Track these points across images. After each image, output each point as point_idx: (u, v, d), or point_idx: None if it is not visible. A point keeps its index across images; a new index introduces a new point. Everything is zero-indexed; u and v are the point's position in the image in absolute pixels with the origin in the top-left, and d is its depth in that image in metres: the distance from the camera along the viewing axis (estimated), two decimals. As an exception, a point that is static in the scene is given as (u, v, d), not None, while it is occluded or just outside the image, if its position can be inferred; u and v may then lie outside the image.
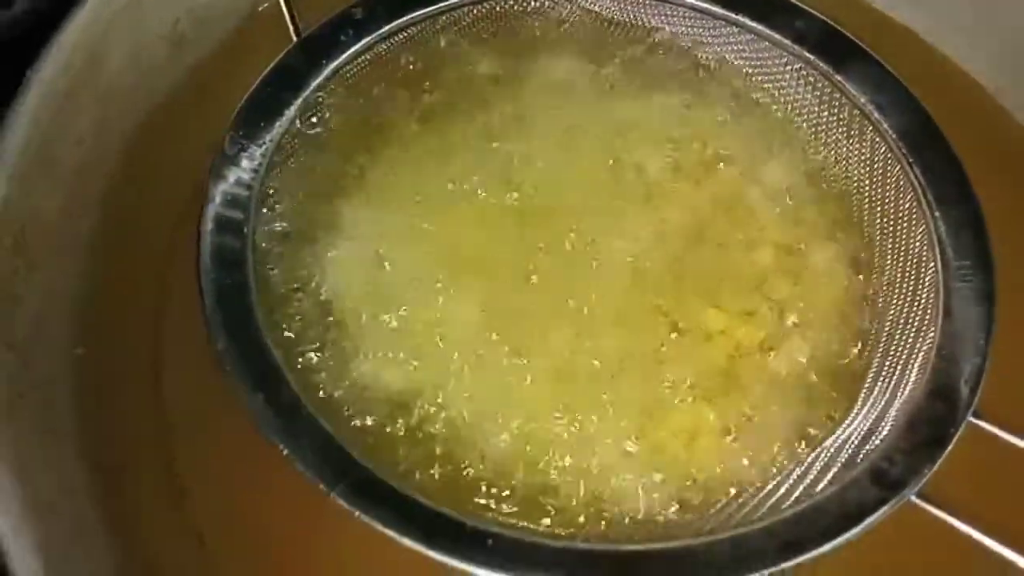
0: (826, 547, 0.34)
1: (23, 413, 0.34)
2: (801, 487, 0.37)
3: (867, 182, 0.44)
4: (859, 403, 0.39)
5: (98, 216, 0.41)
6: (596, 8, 0.48)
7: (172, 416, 0.40)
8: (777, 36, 0.46)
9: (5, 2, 0.42)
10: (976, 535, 0.34)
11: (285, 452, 0.34)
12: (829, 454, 0.38)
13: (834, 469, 0.37)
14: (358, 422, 0.38)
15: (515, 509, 0.37)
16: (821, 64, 0.45)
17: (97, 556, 0.34)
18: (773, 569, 0.33)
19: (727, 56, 0.47)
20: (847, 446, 0.38)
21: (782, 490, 0.37)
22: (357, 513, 0.33)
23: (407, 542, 0.33)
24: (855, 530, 0.34)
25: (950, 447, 0.35)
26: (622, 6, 0.48)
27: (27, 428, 0.34)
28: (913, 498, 0.35)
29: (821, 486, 0.36)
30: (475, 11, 0.46)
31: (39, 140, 0.38)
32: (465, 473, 0.37)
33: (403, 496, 0.34)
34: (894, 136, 0.43)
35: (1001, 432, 0.36)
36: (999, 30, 0.50)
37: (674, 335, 0.41)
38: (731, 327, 0.42)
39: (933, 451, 0.35)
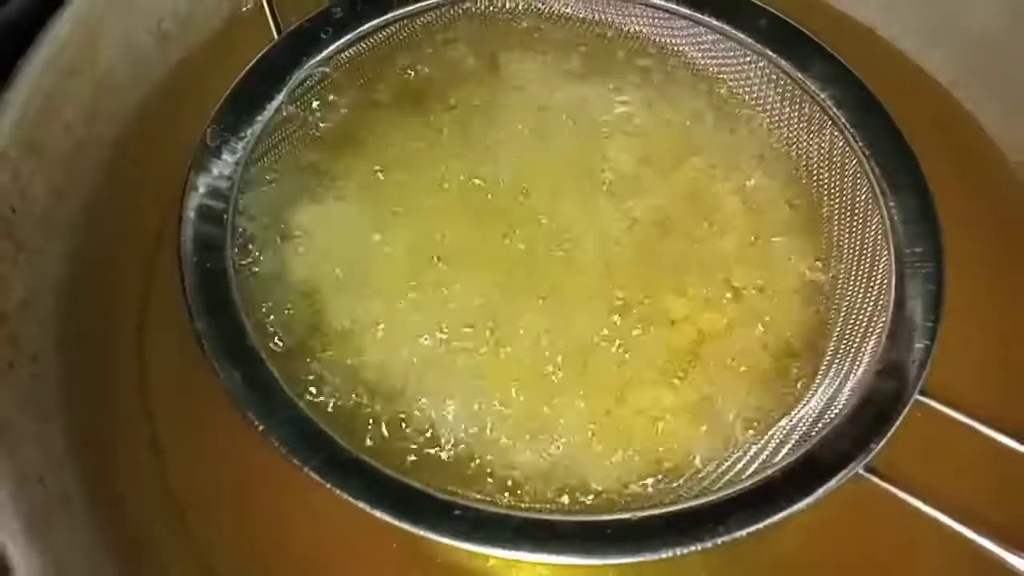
0: (779, 516, 0.35)
1: (12, 385, 0.35)
2: (757, 462, 0.38)
3: (826, 174, 0.46)
4: (815, 384, 0.41)
5: (87, 201, 0.43)
6: (568, 9, 0.49)
7: (155, 394, 0.42)
8: (741, 35, 0.47)
9: None
10: (921, 506, 0.35)
11: (260, 429, 0.36)
12: (785, 431, 0.39)
13: (789, 445, 0.38)
14: (332, 400, 0.39)
15: (484, 483, 0.38)
16: (783, 62, 0.47)
17: (81, 529, 0.35)
18: (729, 537, 0.35)
19: (693, 54, 0.49)
20: (802, 423, 0.39)
21: (739, 465, 0.38)
22: (330, 486, 0.35)
23: (378, 514, 0.34)
24: (807, 500, 0.35)
25: (897, 423, 0.37)
26: (593, 6, 0.49)
27: (16, 401, 0.35)
28: (861, 471, 0.36)
29: (776, 460, 0.38)
30: (451, 11, 0.48)
31: (29, 126, 0.40)
32: (434, 449, 0.39)
33: (374, 471, 0.36)
34: (851, 130, 0.45)
35: (947, 409, 0.38)
36: (954, 28, 0.52)
37: (638, 321, 0.43)
38: (693, 313, 0.43)
39: (881, 427, 0.37)
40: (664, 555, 0.34)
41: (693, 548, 0.34)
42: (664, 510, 0.36)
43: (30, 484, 0.33)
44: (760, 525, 0.35)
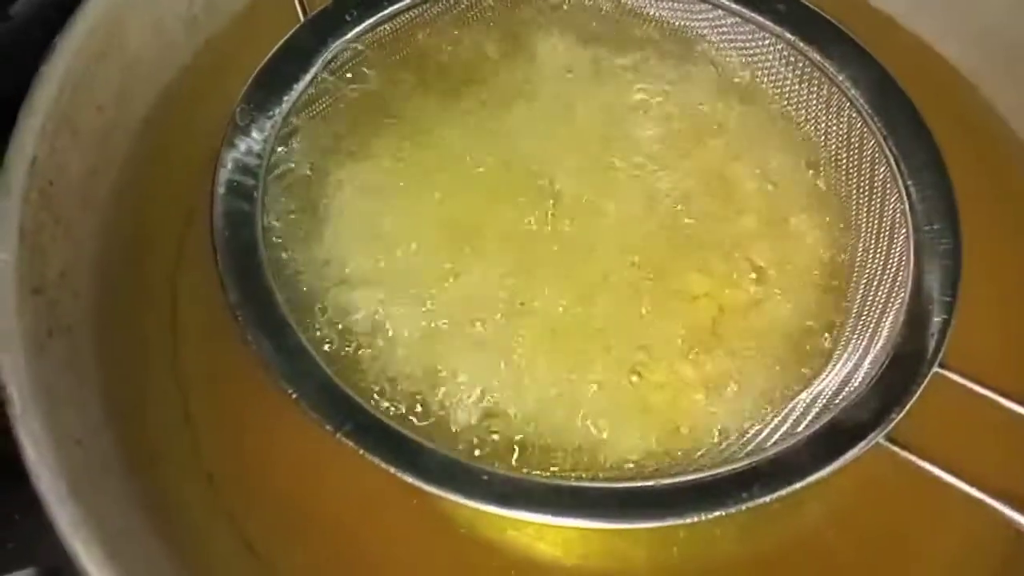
0: (802, 483, 0.36)
1: (52, 352, 0.36)
2: (779, 433, 0.39)
3: (844, 154, 0.47)
4: (835, 356, 0.42)
5: (120, 177, 0.44)
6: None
7: (187, 365, 0.43)
8: (760, 18, 0.48)
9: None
10: (940, 473, 0.36)
11: (293, 396, 0.36)
12: (806, 404, 0.40)
13: (810, 416, 0.39)
14: (363, 368, 0.40)
15: (511, 452, 0.39)
16: (801, 44, 0.47)
17: (116, 490, 0.36)
18: (753, 503, 0.35)
19: (713, 37, 0.50)
20: (823, 396, 0.40)
21: (762, 435, 0.39)
22: (362, 452, 0.36)
23: (407, 478, 0.35)
24: (830, 467, 0.36)
25: (916, 395, 0.37)
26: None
27: (55, 367, 0.36)
28: (882, 440, 0.37)
29: (798, 431, 0.38)
30: (476, -7, 0.49)
31: (65, 103, 0.41)
32: (461, 418, 0.40)
33: (403, 437, 0.36)
34: (869, 111, 0.45)
35: (965, 381, 0.38)
36: (972, 13, 0.52)
37: (660, 296, 0.43)
38: (715, 290, 0.44)
39: (901, 398, 0.38)
40: (688, 520, 0.35)
41: (717, 513, 0.35)
42: (687, 478, 0.36)
43: (69, 446, 0.34)
44: (783, 492, 0.36)
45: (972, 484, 0.36)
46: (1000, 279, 0.48)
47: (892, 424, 0.37)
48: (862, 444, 0.36)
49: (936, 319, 0.40)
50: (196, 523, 0.39)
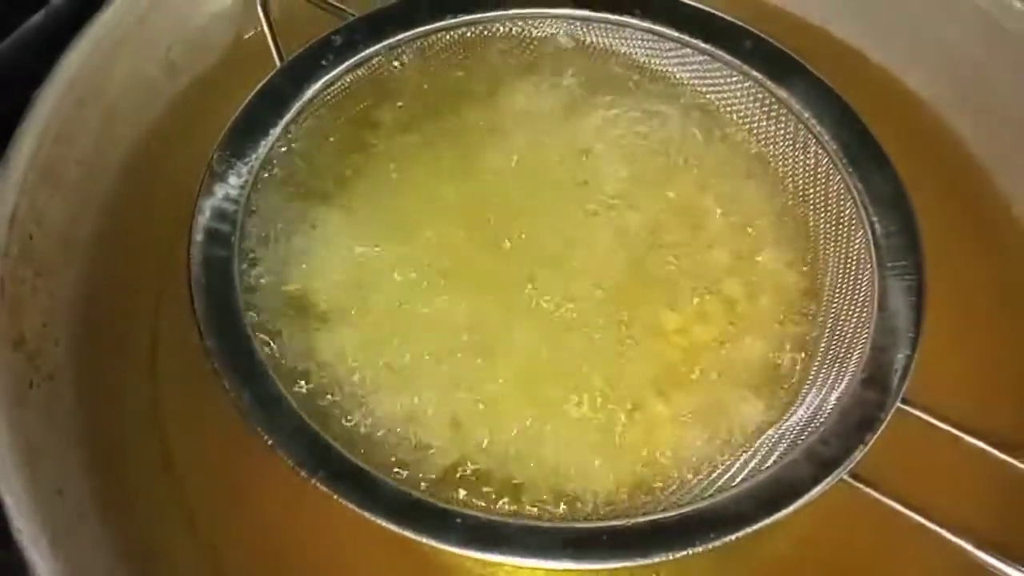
0: (768, 520, 0.37)
1: (33, 403, 0.37)
2: (747, 469, 0.40)
3: (811, 190, 0.48)
4: (802, 394, 0.42)
5: (99, 225, 0.45)
6: (559, 33, 0.51)
7: (165, 407, 0.43)
8: (727, 56, 0.49)
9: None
10: (904, 511, 0.37)
11: (269, 442, 0.37)
12: (774, 440, 0.41)
13: (777, 452, 0.40)
14: (337, 412, 0.41)
15: (486, 492, 0.40)
16: (768, 82, 0.48)
17: (97, 538, 0.37)
18: (719, 542, 0.36)
19: (682, 75, 0.51)
20: (790, 432, 0.41)
21: (731, 472, 0.40)
22: (336, 497, 0.37)
23: (381, 522, 0.36)
24: (794, 505, 0.37)
25: (879, 431, 0.38)
26: (584, 30, 0.51)
27: (36, 419, 0.37)
28: (846, 477, 0.38)
29: (766, 467, 0.39)
30: (446, 37, 0.50)
31: (45, 155, 0.42)
32: (438, 462, 0.40)
33: (378, 481, 0.37)
34: (835, 147, 0.46)
35: (927, 417, 0.39)
36: (937, 45, 0.53)
37: (632, 333, 0.44)
38: (684, 326, 0.45)
39: (864, 434, 0.38)
40: (656, 560, 0.36)
41: (684, 553, 0.36)
42: (656, 516, 0.37)
43: (50, 496, 0.35)
44: (748, 530, 0.36)
45: (933, 519, 0.37)
46: (966, 311, 0.49)
47: (855, 461, 0.37)
48: (825, 482, 0.37)
49: (900, 355, 0.41)
50: (176, 566, 0.40)
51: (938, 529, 0.37)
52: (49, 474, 0.36)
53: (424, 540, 0.36)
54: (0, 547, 0.34)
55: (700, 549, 0.36)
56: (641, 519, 0.37)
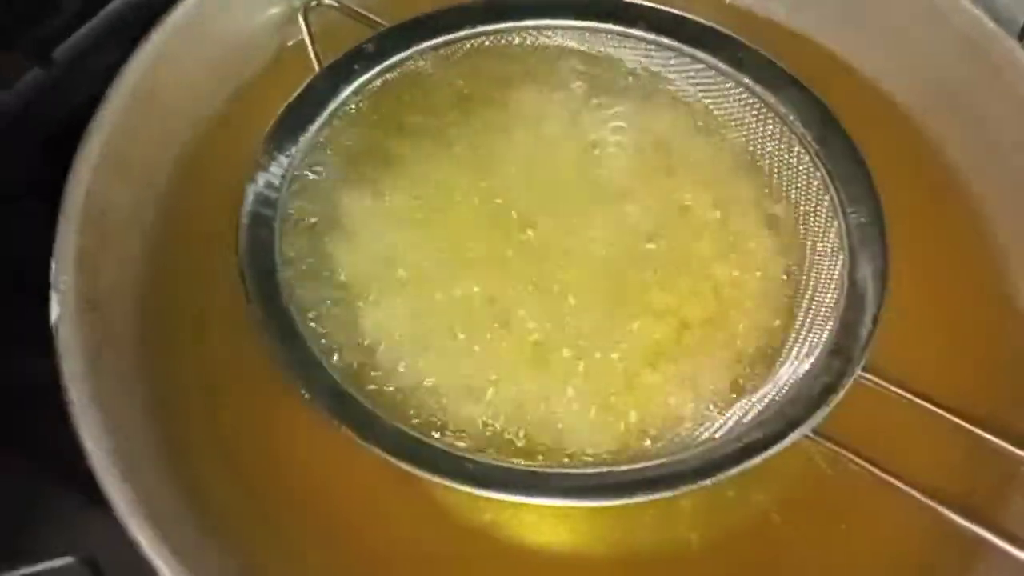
0: (738, 468, 0.42)
1: (104, 360, 0.43)
2: (727, 427, 0.45)
3: (794, 187, 0.53)
4: (779, 364, 0.48)
5: (160, 207, 0.51)
6: (570, 43, 0.57)
7: (213, 365, 0.49)
8: (720, 64, 0.54)
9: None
10: (873, 469, 0.43)
11: (306, 396, 0.43)
12: (751, 403, 0.46)
13: (751, 415, 0.45)
14: (367, 372, 0.46)
15: (494, 445, 0.46)
16: (757, 87, 0.53)
17: (158, 474, 0.43)
18: (692, 487, 0.42)
19: (680, 82, 0.56)
20: (767, 396, 0.46)
21: (712, 429, 0.45)
22: (368, 446, 0.42)
23: (402, 464, 0.42)
24: (764, 454, 0.42)
25: (840, 395, 0.43)
26: (591, 39, 0.56)
27: (107, 373, 0.43)
28: (810, 434, 0.43)
29: (741, 426, 0.44)
30: (466, 46, 0.55)
31: (114, 144, 0.48)
32: (452, 417, 0.46)
33: (398, 430, 0.43)
34: (815, 147, 0.51)
35: (885, 383, 0.45)
36: (915, 54, 0.58)
37: (627, 312, 0.50)
38: (676, 307, 0.50)
39: (828, 397, 0.44)
40: (640, 499, 0.41)
41: (666, 494, 0.41)
42: (643, 464, 0.43)
43: (120, 439, 0.41)
44: (717, 478, 0.42)
45: (896, 476, 0.42)
46: (928, 296, 0.54)
47: (817, 420, 0.43)
48: (790, 437, 0.42)
49: (864, 330, 0.46)
50: (221, 499, 0.46)
51: (909, 489, 0.42)
52: (119, 420, 0.42)
53: (442, 481, 0.41)
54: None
55: (678, 492, 0.41)
56: (630, 466, 0.43)
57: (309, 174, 0.51)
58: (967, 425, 0.45)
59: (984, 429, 0.45)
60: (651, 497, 0.41)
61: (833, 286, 0.48)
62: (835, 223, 0.50)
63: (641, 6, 0.55)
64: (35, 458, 0.47)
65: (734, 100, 0.55)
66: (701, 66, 0.55)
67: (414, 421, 0.46)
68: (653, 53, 0.56)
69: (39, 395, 0.43)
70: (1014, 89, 0.54)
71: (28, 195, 0.52)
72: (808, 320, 0.48)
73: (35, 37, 0.55)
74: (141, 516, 0.39)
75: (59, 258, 0.44)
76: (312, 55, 0.54)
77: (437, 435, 0.45)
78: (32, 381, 0.44)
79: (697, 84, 0.56)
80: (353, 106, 0.53)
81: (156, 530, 0.39)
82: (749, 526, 0.49)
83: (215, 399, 0.48)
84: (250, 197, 0.48)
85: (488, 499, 0.47)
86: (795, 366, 0.47)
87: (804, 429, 0.43)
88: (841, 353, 0.45)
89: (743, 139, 0.55)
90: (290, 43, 0.60)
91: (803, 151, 0.52)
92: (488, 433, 0.46)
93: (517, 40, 0.56)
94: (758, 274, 0.51)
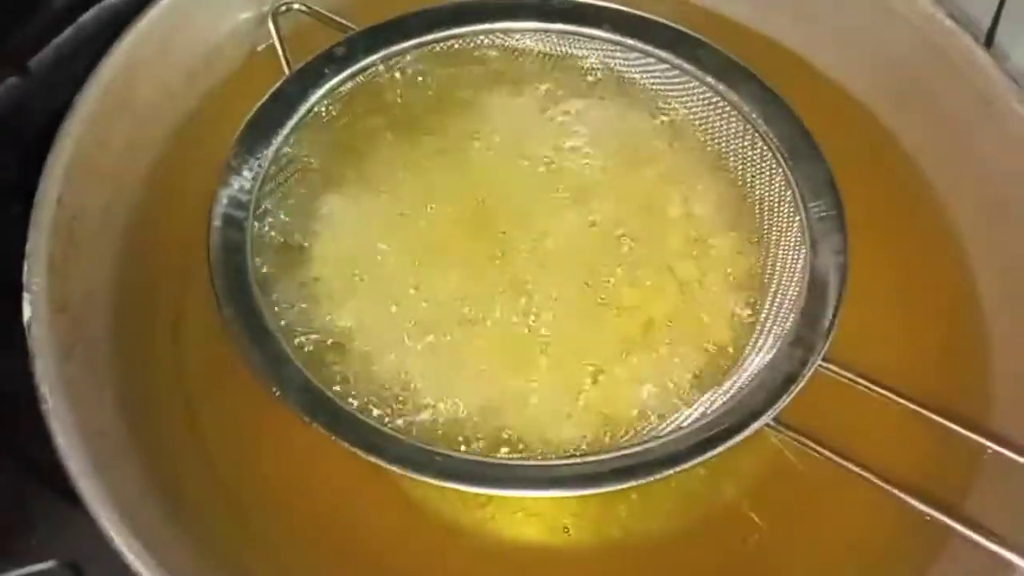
0: (702, 458, 0.43)
1: (76, 358, 0.44)
2: (692, 417, 0.46)
3: (757, 184, 0.54)
4: (743, 356, 0.49)
5: (131, 212, 0.51)
6: (535, 45, 0.57)
7: (189, 366, 0.50)
8: (685, 64, 0.55)
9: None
10: (830, 456, 0.43)
11: (276, 393, 0.44)
12: (716, 394, 0.47)
13: (718, 403, 0.46)
14: (337, 370, 0.47)
15: (466, 438, 0.46)
16: (720, 86, 0.54)
17: (131, 471, 0.44)
18: (660, 476, 0.42)
19: (644, 81, 0.57)
20: (732, 387, 0.47)
21: (679, 420, 0.46)
22: (334, 438, 0.43)
23: (372, 459, 0.42)
24: (728, 443, 0.43)
25: (801, 384, 0.44)
26: (558, 41, 0.57)
27: (79, 372, 0.44)
28: (771, 423, 0.44)
29: (706, 417, 0.45)
30: (435, 49, 0.56)
31: (84, 151, 0.49)
32: (422, 413, 0.47)
33: (369, 425, 0.44)
34: (777, 144, 0.52)
35: (847, 373, 0.46)
36: (873, 51, 0.60)
37: (596, 307, 0.51)
38: (643, 301, 0.51)
39: (788, 386, 0.45)
40: (610, 488, 0.42)
41: (636, 483, 0.42)
42: (614, 455, 0.44)
43: (92, 435, 0.42)
44: (683, 467, 0.43)
45: (851, 461, 0.43)
46: (887, 289, 0.55)
47: (777, 409, 0.44)
48: (751, 427, 0.43)
49: (825, 322, 0.47)
50: (197, 499, 0.46)
51: (871, 477, 0.43)
52: (92, 418, 0.43)
53: (404, 472, 0.42)
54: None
55: (645, 481, 0.42)
56: (601, 457, 0.44)
57: (280, 176, 0.52)
58: (929, 414, 0.46)
59: (945, 417, 0.46)
60: (619, 487, 0.42)
61: (796, 279, 0.49)
62: (797, 217, 0.51)
63: (607, 8, 0.56)
64: (18, 463, 0.48)
65: (698, 99, 0.56)
66: (665, 66, 0.56)
67: (383, 418, 0.46)
68: (618, 54, 0.57)
69: (22, 399, 0.43)
70: (971, 83, 0.56)
71: (8, 200, 0.52)
72: (772, 312, 0.49)
73: (11, 46, 0.56)
74: (111, 510, 0.40)
75: (31, 261, 0.45)
76: (282, 59, 0.55)
77: (407, 430, 0.46)
78: (14, 384, 0.44)
79: (662, 83, 0.57)
80: (323, 108, 0.54)
81: (128, 525, 0.39)
82: (719, 517, 0.50)
83: (190, 399, 0.49)
84: (221, 200, 0.49)
85: (462, 494, 0.48)
86: (759, 357, 0.47)
87: (766, 418, 0.44)
88: (803, 344, 0.46)
89: (707, 137, 0.56)
90: (260, 48, 0.60)
91: (766, 148, 0.53)
92: (457, 428, 0.47)
93: (486, 42, 0.57)
94: (723, 269, 0.52)
